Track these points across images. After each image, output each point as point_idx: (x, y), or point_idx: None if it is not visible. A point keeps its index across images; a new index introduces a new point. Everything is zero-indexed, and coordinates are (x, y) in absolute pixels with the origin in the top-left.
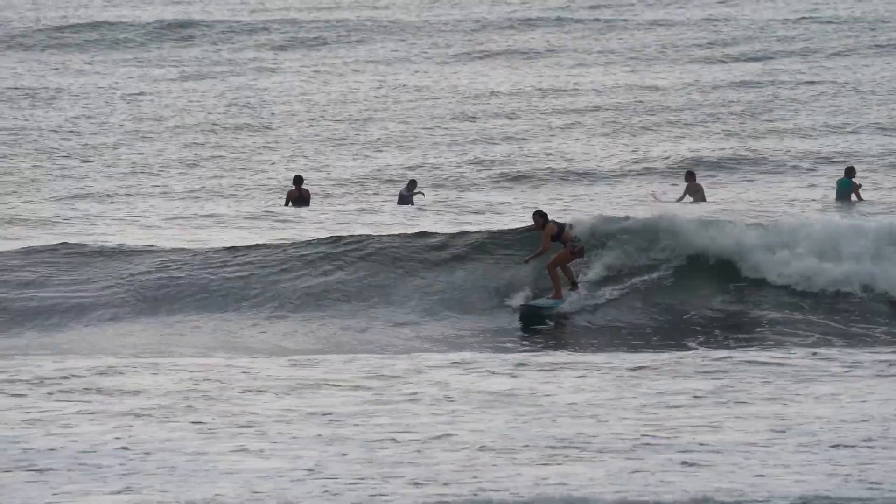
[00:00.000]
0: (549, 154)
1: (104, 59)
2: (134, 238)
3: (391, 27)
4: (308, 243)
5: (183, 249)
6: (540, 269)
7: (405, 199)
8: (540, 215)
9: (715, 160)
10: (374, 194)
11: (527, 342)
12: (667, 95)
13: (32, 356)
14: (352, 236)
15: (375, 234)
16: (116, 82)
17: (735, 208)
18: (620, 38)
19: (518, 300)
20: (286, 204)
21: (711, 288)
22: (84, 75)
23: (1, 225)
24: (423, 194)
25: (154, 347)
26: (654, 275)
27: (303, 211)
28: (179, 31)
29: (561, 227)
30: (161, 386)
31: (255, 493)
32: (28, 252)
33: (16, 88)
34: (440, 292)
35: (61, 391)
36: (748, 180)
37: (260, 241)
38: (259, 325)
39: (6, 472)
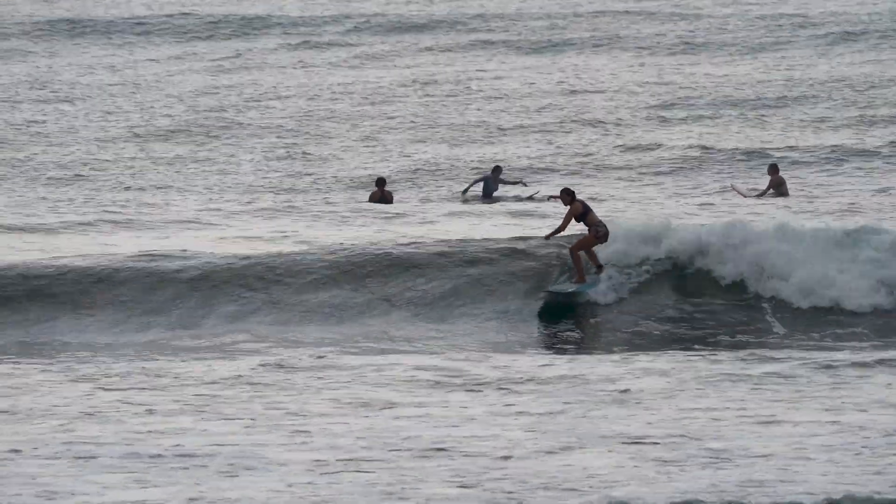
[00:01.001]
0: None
1: (181, 51)
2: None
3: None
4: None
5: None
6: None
7: (491, 186)
8: (567, 193)
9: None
10: (455, 194)
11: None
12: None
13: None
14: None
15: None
16: (184, 78)
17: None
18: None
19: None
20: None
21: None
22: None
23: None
24: (524, 184)
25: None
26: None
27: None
28: (250, 24)
29: (587, 208)
30: None
31: None
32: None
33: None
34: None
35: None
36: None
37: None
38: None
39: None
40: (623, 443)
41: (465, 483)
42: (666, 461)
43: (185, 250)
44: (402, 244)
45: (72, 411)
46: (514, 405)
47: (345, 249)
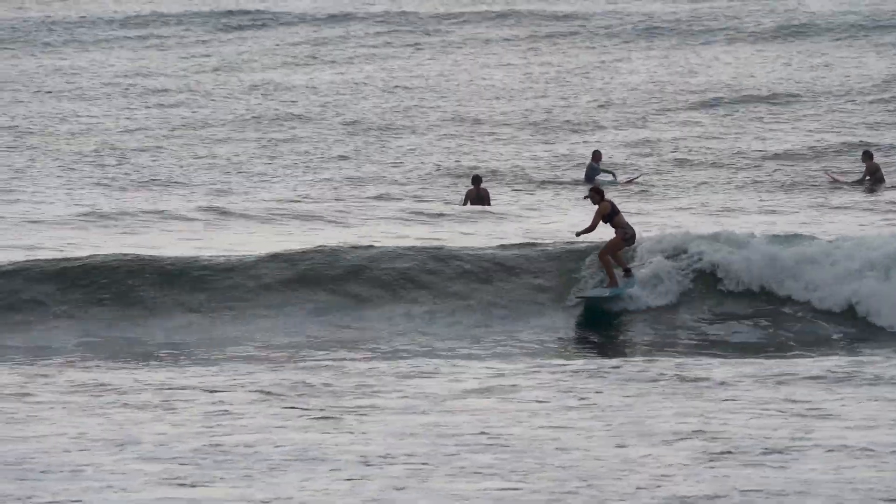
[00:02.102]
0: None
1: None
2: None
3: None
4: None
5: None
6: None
7: (593, 171)
8: (596, 191)
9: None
10: (556, 192)
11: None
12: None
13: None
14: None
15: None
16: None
17: None
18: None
19: (572, 294)
20: (464, 204)
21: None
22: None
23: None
24: (613, 175)
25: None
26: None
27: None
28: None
29: (616, 210)
30: None
31: None
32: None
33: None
34: None
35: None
36: None
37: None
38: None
39: None
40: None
41: None
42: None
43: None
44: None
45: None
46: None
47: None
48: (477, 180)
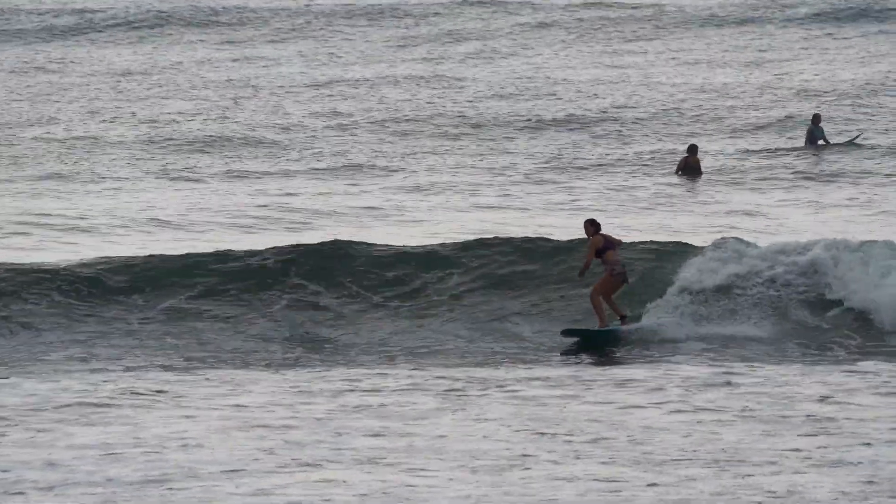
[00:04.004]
0: None
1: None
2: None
3: None
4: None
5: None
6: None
7: (815, 134)
8: (591, 224)
9: None
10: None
11: None
12: None
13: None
14: None
15: None
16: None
17: None
18: None
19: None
20: (677, 172)
21: None
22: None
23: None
24: (860, 134)
25: None
26: None
27: (697, 182)
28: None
29: (609, 243)
30: None
31: None
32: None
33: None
34: None
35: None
36: None
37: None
38: None
39: None
40: None
41: None
42: None
43: None
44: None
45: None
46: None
47: None
48: (692, 149)
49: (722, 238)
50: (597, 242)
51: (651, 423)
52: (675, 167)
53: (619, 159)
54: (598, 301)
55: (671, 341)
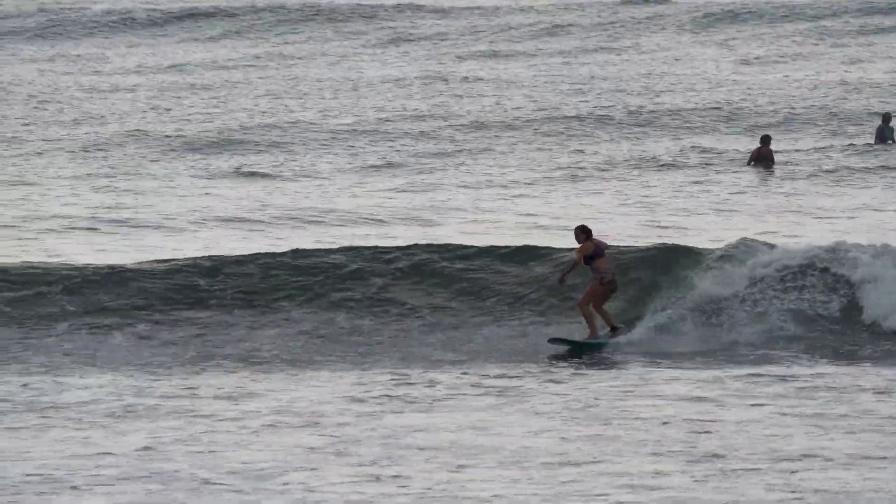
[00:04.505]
0: None
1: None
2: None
3: None
4: None
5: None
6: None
7: (885, 133)
8: (583, 231)
9: None
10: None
11: None
12: None
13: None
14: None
15: None
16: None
17: None
18: None
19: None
20: (749, 163)
21: None
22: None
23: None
24: None
25: None
26: None
27: (769, 173)
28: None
29: (600, 252)
30: None
31: None
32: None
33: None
34: None
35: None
36: None
37: None
38: None
39: None
40: None
41: None
42: None
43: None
44: None
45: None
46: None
47: None
48: (765, 140)
49: (740, 240)
50: (587, 249)
51: (711, 420)
52: (747, 158)
53: (684, 154)
54: (587, 311)
55: (699, 347)
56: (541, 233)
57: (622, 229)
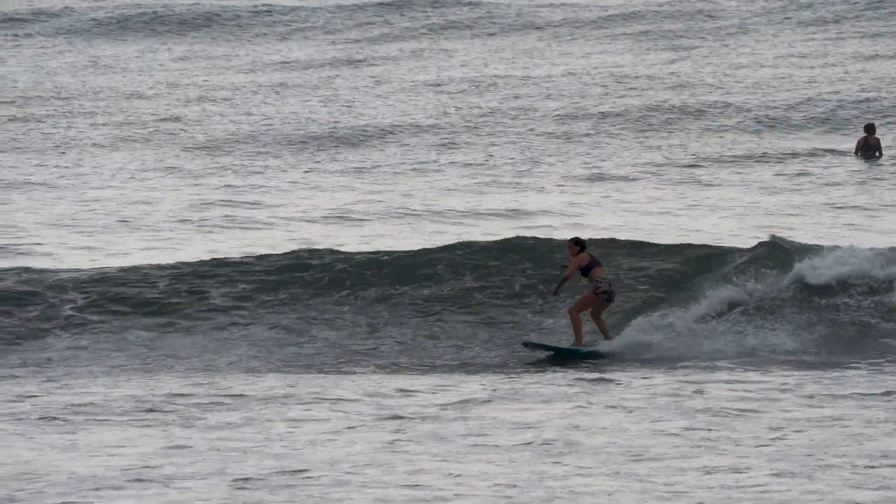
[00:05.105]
0: None
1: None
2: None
3: None
4: None
5: None
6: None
7: None
8: (576, 243)
9: None
10: None
11: None
12: None
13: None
14: None
15: None
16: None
17: None
18: None
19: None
20: (856, 153)
21: None
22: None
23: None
24: None
25: None
26: None
27: (876, 163)
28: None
29: (595, 262)
30: None
31: None
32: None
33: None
34: None
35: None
36: None
37: None
38: None
39: None
40: None
41: None
42: None
43: None
44: None
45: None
46: None
47: None
48: (869, 129)
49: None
50: (582, 260)
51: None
52: (853, 147)
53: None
54: (576, 317)
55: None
56: None
57: (725, 226)
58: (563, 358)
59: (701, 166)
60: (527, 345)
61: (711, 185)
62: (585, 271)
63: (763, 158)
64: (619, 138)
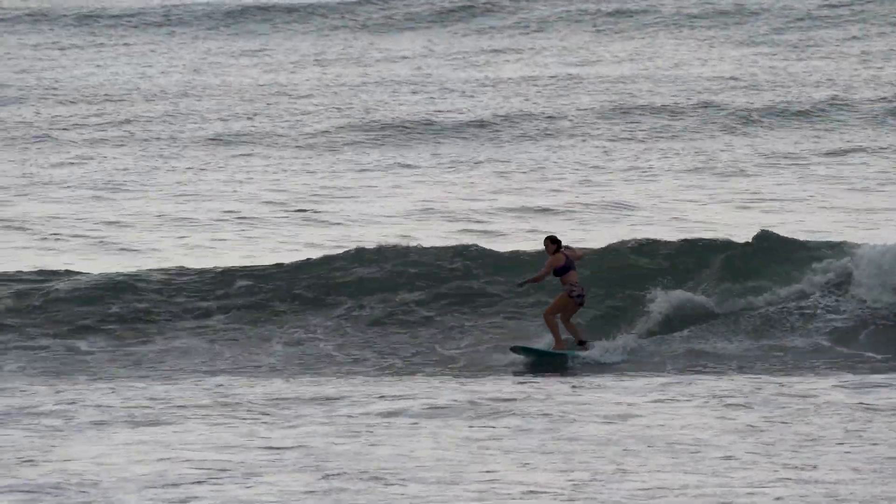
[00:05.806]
0: None
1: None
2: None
3: None
4: None
5: None
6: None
7: None
8: (553, 241)
9: None
10: None
11: None
12: None
13: None
14: None
15: None
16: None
17: None
18: None
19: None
20: None
21: None
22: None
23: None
24: None
25: None
26: None
27: None
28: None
29: (570, 264)
30: None
31: None
32: None
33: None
34: None
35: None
36: None
37: None
38: None
39: None
40: None
41: None
42: None
43: None
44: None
45: None
46: None
47: None
48: None
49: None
50: (557, 261)
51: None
52: None
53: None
54: (552, 321)
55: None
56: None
57: (813, 217)
58: (548, 361)
59: None
60: (514, 349)
61: None
62: (560, 272)
63: None
64: None
